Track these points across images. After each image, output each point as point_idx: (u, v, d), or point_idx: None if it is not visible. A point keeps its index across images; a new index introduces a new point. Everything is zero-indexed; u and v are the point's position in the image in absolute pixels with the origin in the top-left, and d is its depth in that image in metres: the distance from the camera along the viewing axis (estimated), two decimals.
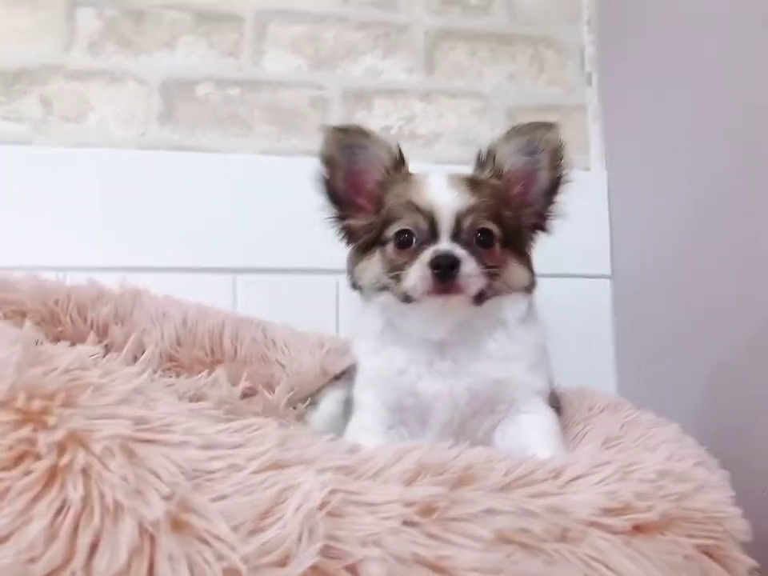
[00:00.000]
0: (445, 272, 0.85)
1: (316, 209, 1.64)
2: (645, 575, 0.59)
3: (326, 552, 0.49)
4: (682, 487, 0.68)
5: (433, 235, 0.89)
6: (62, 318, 1.20)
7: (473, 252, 0.88)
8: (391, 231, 0.93)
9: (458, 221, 0.89)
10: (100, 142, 1.63)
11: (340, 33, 1.77)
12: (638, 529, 0.63)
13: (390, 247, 0.93)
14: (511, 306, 0.95)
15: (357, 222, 1.00)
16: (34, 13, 1.64)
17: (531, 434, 0.89)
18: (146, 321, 1.33)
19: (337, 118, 1.74)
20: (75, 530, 0.45)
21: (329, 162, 0.98)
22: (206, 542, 0.48)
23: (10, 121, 1.60)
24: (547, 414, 0.93)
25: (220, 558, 0.47)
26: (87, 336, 1.22)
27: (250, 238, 1.63)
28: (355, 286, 1.00)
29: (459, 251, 0.87)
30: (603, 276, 1.75)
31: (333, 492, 0.53)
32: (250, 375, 1.29)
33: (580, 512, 0.61)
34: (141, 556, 0.45)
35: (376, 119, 1.76)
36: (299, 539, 0.48)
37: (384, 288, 0.94)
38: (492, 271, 0.89)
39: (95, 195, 1.57)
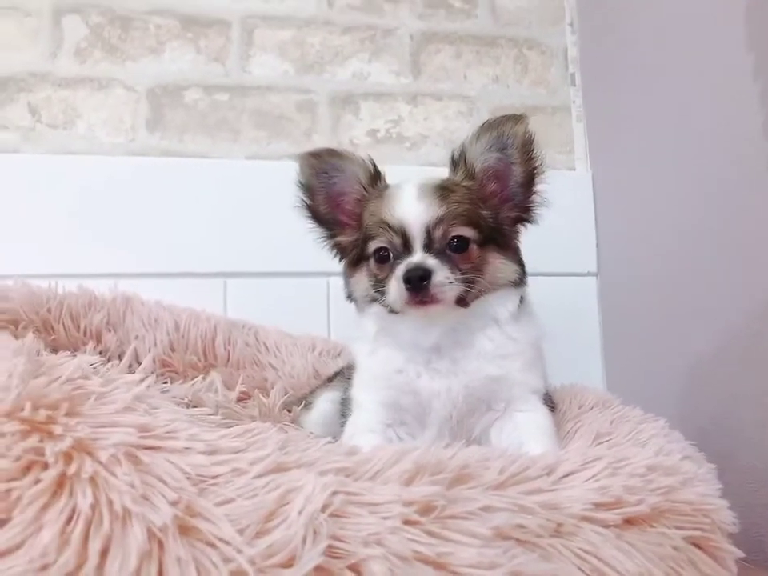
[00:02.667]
0: (416, 285, 0.86)
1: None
2: (636, 567, 0.61)
3: (330, 552, 0.51)
4: (670, 480, 0.70)
5: (407, 249, 0.91)
6: (55, 325, 1.21)
7: (446, 260, 0.89)
8: (370, 248, 0.95)
9: (429, 232, 0.90)
10: (88, 149, 1.63)
11: (326, 37, 1.78)
12: (628, 522, 0.65)
13: (371, 263, 0.96)
14: (500, 303, 0.95)
15: (345, 238, 1.02)
16: (20, 20, 1.63)
17: (526, 431, 0.90)
18: (138, 327, 1.34)
19: (324, 122, 1.75)
20: (86, 536, 0.46)
21: (307, 188, 1.01)
22: (213, 545, 0.50)
23: None
24: (543, 413, 0.94)
25: (227, 560, 0.49)
26: (80, 343, 1.24)
27: (239, 242, 1.64)
28: (350, 297, 1.04)
29: (431, 262, 0.88)
30: (589, 274, 1.78)
31: (334, 493, 0.54)
32: (244, 379, 1.31)
33: (573, 507, 0.63)
34: (150, 560, 0.47)
35: (363, 122, 1.77)
36: (304, 540, 0.50)
37: (374, 300, 0.97)
38: (469, 276, 0.90)
39: (84, 202, 1.57)
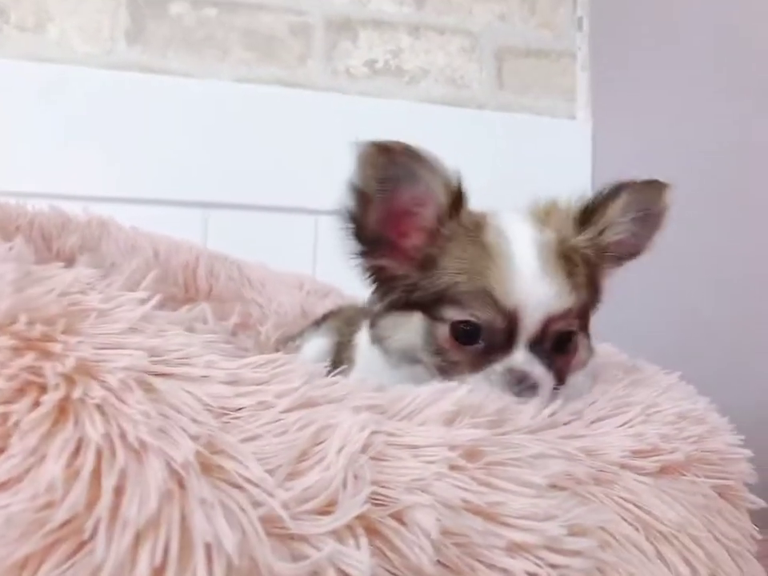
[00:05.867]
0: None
1: (296, 144, 1.58)
2: (677, 516, 0.58)
3: (372, 499, 0.45)
4: (699, 429, 0.68)
5: (508, 339, 0.67)
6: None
7: (549, 363, 0.69)
8: (448, 314, 0.69)
9: (547, 326, 0.67)
10: (61, 57, 1.49)
11: None
12: (663, 470, 0.62)
13: (441, 332, 0.70)
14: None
15: (392, 267, 0.74)
16: None
17: None
18: (114, 253, 1.23)
19: (319, 47, 1.64)
20: (98, 471, 0.39)
21: (361, 194, 0.70)
22: (240, 487, 0.43)
23: None
24: None
25: (256, 504, 0.42)
26: None
27: (222, 170, 1.54)
28: (377, 340, 0.78)
29: (538, 370, 0.67)
30: None
31: (374, 433, 0.48)
32: (227, 314, 1.24)
33: (611, 454, 0.60)
34: (172, 502, 0.40)
35: (360, 51, 1.67)
36: (344, 484, 0.44)
37: (419, 361, 0.73)
38: (562, 380, 0.72)
39: (54, 115, 1.44)
